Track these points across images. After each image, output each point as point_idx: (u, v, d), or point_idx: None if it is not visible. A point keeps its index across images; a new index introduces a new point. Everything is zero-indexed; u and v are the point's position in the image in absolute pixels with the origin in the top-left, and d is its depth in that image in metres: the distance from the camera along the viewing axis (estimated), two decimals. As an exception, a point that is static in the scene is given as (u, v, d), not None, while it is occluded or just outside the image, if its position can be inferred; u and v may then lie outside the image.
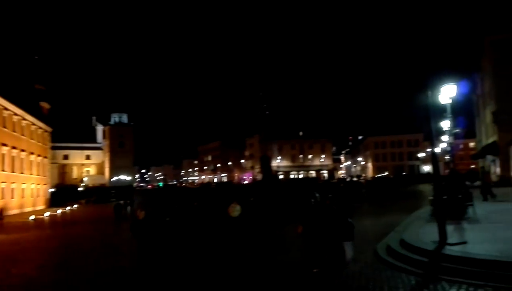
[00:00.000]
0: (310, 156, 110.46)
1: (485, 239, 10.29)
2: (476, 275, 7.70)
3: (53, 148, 72.49)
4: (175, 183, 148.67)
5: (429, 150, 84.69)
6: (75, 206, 51.20)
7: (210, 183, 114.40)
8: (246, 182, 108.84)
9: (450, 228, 11.08)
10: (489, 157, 43.63)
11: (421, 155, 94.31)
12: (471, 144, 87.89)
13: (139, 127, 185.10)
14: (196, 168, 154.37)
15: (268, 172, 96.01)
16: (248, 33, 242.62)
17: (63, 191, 67.40)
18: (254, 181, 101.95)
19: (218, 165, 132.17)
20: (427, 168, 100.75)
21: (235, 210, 18.13)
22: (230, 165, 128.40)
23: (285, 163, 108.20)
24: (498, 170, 40.47)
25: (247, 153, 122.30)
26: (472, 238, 10.42)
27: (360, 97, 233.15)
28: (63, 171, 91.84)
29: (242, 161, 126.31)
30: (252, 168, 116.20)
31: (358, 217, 16.40)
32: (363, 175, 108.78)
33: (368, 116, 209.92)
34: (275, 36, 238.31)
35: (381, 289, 7.90)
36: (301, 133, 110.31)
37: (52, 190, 62.62)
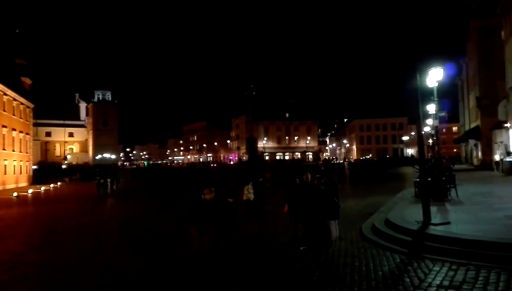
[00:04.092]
0: (296, 138, 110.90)
1: (467, 220, 10.53)
2: (459, 254, 7.89)
3: (36, 125, 71.13)
4: (159, 162, 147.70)
5: (413, 133, 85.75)
6: (59, 183, 50.68)
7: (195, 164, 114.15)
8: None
9: (433, 209, 11.32)
10: (472, 141, 44.41)
11: (405, 138, 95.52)
12: (454, 128, 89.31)
13: (123, 105, 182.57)
14: (182, 148, 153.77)
15: (254, 153, 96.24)
16: (235, 12, 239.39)
17: (46, 168, 66.47)
18: (239, 162, 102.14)
19: (204, 145, 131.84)
20: (410, 151, 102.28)
21: (251, 193, 15.55)
22: (216, 145, 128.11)
23: (271, 144, 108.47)
24: (480, 154, 41.28)
25: (233, 134, 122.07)
26: (455, 219, 10.67)
27: (347, 79, 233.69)
28: (45, 148, 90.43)
29: (228, 141, 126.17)
30: (238, 148, 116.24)
31: (343, 198, 16.62)
32: (346, 158, 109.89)
33: (354, 99, 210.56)
34: (263, 16, 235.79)
35: (366, 266, 8.05)
36: (287, 114, 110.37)
37: (35, 167, 61.73)
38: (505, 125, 29.76)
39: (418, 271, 7.38)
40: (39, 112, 70.72)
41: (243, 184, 17.73)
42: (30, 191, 38.37)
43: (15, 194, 34.47)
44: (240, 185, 17.89)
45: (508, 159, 26.65)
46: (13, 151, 49.09)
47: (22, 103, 53.23)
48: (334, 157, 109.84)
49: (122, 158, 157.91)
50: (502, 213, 11.13)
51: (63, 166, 75.79)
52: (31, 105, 57.92)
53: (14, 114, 49.82)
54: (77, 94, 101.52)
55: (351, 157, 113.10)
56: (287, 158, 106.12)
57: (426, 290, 6.42)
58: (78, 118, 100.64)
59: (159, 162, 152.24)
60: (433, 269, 7.42)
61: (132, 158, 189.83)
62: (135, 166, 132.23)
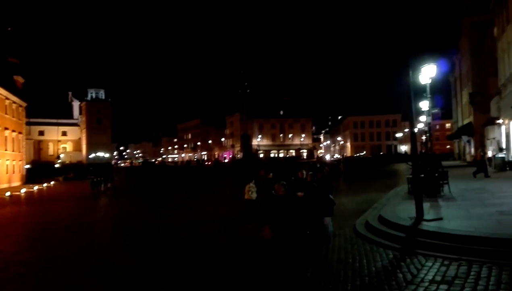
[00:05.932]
0: (290, 135, 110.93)
1: (459, 216, 10.61)
2: (451, 249, 7.95)
3: (28, 124, 70.54)
4: (153, 160, 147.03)
5: (406, 130, 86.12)
6: (52, 182, 50.34)
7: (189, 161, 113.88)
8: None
9: (426, 205, 11.38)
10: (465, 138, 44.70)
11: (398, 135, 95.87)
12: (447, 125, 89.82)
13: (117, 103, 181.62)
14: (176, 146, 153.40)
15: (248, 150, 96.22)
16: (229, 9, 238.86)
17: (39, 167, 65.99)
18: (232, 160, 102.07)
19: (198, 143, 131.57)
20: (404, 148, 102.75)
21: (253, 192, 14.75)
22: (210, 143, 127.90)
23: (266, 142, 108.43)
24: (472, 150, 41.58)
25: (227, 131, 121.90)
26: (448, 215, 10.74)
27: (341, 77, 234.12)
28: (38, 147, 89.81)
29: (223, 139, 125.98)
30: (233, 146, 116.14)
31: (337, 195, 16.63)
32: (337, 155, 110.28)
33: (348, 96, 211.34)
34: (257, 13, 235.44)
35: (360, 262, 8.10)
36: (281, 112, 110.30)
37: (28, 166, 61.26)
38: (498, 121, 29.98)
39: (411, 267, 7.43)
40: (32, 111, 70.11)
41: (240, 182, 17.40)
42: (23, 190, 38.08)
43: (7, 193, 34.21)
44: (237, 184, 17.79)
45: (500, 155, 26.86)
46: (6, 150, 48.68)
47: (14, 102, 52.76)
48: (334, 155, 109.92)
49: (116, 157, 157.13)
50: (494, 208, 11.23)
51: (56, 165, 75.21)
52: (24, 104, 57.45)
53: (6, 113, 49.38)
54: (70, 93, 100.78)
55: (345, 154, 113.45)
56: (281, 155, 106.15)
57: (418, 285, 6.46)
58: (71, 117, 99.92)
59: (151, 160, 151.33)
60: (425, 264, 7.47)
61: (126, 156, 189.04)
62: (128, 164, 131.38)
